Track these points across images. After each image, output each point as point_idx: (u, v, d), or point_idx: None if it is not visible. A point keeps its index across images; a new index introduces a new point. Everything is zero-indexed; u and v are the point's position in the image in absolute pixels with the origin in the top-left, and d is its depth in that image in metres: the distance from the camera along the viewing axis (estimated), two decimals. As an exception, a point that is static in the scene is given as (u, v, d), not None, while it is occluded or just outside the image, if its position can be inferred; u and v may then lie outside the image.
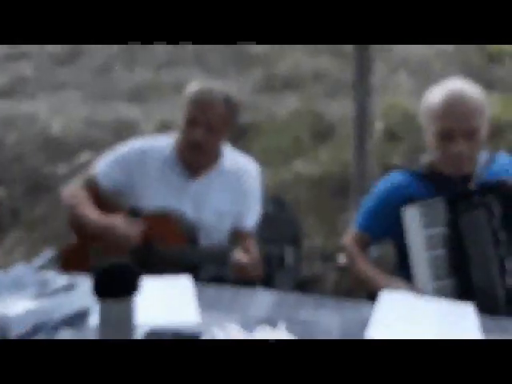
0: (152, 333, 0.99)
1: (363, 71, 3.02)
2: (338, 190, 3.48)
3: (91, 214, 1.58)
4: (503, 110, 4.40)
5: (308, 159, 3.84)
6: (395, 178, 1.51)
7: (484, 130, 1.39)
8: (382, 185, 1.54)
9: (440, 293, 1.30)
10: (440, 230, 1.34)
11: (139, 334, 0.97)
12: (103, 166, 1.67)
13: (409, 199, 1.38)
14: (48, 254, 1.62)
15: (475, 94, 1.38)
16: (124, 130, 4.50)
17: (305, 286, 2.77)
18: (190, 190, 1.63)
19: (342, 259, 1.27)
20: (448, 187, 1.40)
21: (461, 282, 1.32)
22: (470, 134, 1.35)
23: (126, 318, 0.85)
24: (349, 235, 1.56)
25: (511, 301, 1.25)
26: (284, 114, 4.62)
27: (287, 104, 4.82)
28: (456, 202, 1.34)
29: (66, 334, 0.97)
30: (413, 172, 1.50)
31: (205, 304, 1.18)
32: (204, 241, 1.57)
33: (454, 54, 5.79)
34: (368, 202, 1.56)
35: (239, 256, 1.40)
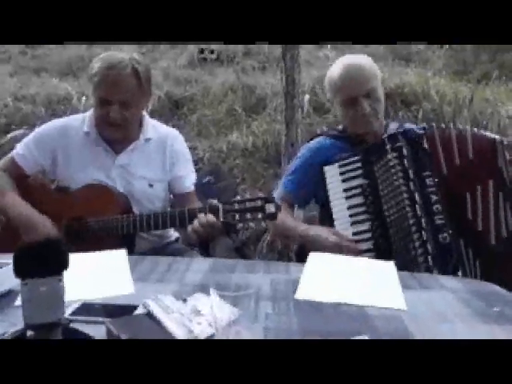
0: (83, 307, 0.92)
1: (292, 46, 2.99)
2: (271, 158, 3.49)
3: (12, 204, 1.45)
4: (419, 81, 4.56)
5: (242, 130, 3.80)
6: (316, 142, 1.59)
7: (381, 89, 1.51)
8: (305, 149, 1.61)
9: (358, 236, 1.39)
10: (357, 182, 1.43)
11: (70, 309, 0.91)
12: (22, 147, 1.55)
13: (328, 160, 1.47)
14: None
15: (367, 61, 1.51)
16: (56, 105, 4.21)
17: (242, 248, 2.78)
18: (116, 164, 1.53)
19: (271, 208, 1.26)
20: (362, 145, 1.48)
21: (376, 222, 1.39)
22: (370, 95, 1.46)
23: (52, 297, 0.77)
24: (276, 195, 1.58)
25: (421, 228, 1.31)
26: (218, 87, 4.51)
27: (221, 78, 4.71)
28: (370, 155, 1.43)
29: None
30: (331, 136, 1.59)
31: (140, 276, 1.12)
32: (137, 210, 1.50)
33: (374, 29, 5.89)
34: (293, 165, 1.61)
35: (203, 216, 1.31)
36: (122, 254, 1.25)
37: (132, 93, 1.44)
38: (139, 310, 0.87)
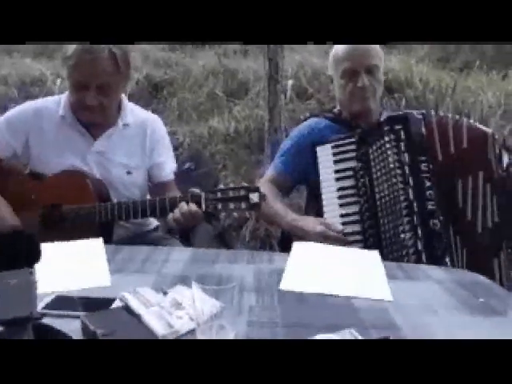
0: (57, 300, 0.88)
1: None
2: (253, 144, 3.44)
3: None
4: (402, 68, 4.56)
5: (223, 115, 3.73)
6: (311, 122, 1.56)
7: (382, 74, 1.50)
8: (298, 129, 1.58)
9: (346, 218, 1.37)
10: (350, 164, 1.41)
11: (43, 302, 0.86)
12: None
13: (323, 141, 1.45)
14: None
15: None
16: (30, 87, 4.07)
17: (223, 235, 2.75)
18: (93, 149, 1.47)
19: (255, 198, 1.23)
20: (357, 128, 1.46)
21: (366, 205, 1.37)
22: (371, 70, 1.45)
23: (23, 291, 0.73)
24: (264, 177, 1.57)
25: (413, 213, 1.30)
26: (199, 70, 4.42)
27: (202, 61, 4.61)
28: (366, 137, 1.41)
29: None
30: (327, 117, 1.56)
31: (117, 266, 1.08)
32: (114, 198, 1.45)
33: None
34: (285, 144, 1.58)
35: (184, 205, 1.28)
36: (98, 243, 1.20)
37: (110, 77, 1.38)
38: (116, 304, 0.84)
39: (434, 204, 1.30)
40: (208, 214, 1.28)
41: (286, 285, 1.00)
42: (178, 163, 1.68)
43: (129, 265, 1.11)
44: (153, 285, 0.94)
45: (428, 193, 1.31)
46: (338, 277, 1.06)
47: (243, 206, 1.25)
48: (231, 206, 1.25)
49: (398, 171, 1.33)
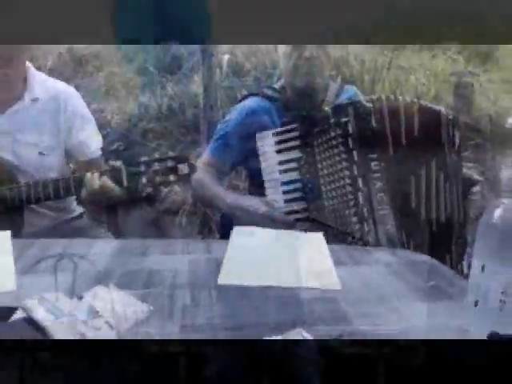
0: None
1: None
2: (189, 123, 3.28)
3: None
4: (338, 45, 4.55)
5: (155, 91, 3.52)
6: (250, 102, 1.44)
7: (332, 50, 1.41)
8: (236, 110, 1.45)
9: (292, 214, 1.27)
10: (294, 155, 1.28)
11: None
12: None
13: (263, 125, 1.33)
14: None
15: None
16: None
17: (158, 221, 2.59)
18: None
19: (184, 169, 1.11)
20: (302, 112, 1.33)
21: (313, 204, 1.27)
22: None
23: None
24: (201, 159, 1.45)
25: (363, 219, 1.22)
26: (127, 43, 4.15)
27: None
28: (311, 124, 1.28)
29: None
30: (266, 96, 1.43)
31: (25, 266, 0.92)
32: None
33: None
34: (222, 128, 1.45)
35: (96, 179, 1.14)
36: (4, 236, 1.02)
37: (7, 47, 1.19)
38: (17, 315, 0.68)
39: (385, 208, 1.21)
40: (131, 191, 1.15)
41: (224, 278, 0.90)
42: (106, 143, 1.51)
43: (40, 263, 0.94)
44: (66, 288, 0.80)
45: (379, 196, 1.21)
46: (282, 266, 0.97)
47: (171, 178, 1.12)
48: (157, 179, 1.12)
49: (346, 172, 1.22)
